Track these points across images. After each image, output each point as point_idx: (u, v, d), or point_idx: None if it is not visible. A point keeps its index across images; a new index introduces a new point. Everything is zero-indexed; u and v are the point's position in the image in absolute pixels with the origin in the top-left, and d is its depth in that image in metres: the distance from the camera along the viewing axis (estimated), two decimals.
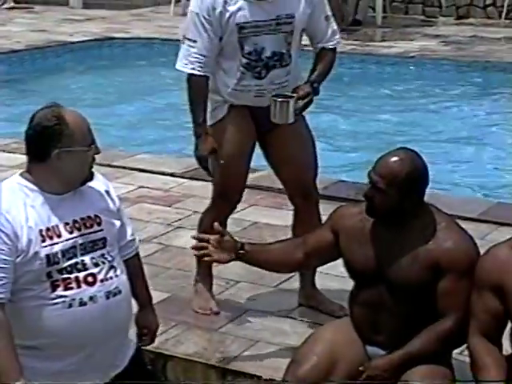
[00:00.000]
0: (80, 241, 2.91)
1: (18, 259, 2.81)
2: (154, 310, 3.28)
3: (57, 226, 2.90)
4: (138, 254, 3.24)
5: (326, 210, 3.87)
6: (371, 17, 13.96)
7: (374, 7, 13.98)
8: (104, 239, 2.98)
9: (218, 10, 3.77)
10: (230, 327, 3.99)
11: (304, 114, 3.96)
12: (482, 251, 3.19)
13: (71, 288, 2.87)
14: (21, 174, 2.96)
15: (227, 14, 3.78)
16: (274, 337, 3.88)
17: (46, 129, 2.87)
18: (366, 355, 3.32)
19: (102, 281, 2.92)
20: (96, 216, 2.98)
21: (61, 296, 2.86)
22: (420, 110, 9.80)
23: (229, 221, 5.30)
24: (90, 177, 2.98)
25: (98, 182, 3.07)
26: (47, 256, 2.84)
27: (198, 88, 3.87)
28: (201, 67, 3.83)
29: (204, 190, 5.00)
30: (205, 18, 3.79)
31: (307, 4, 3.84)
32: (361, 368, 3.24)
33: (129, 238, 3.18)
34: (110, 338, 2.97)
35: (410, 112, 9.71)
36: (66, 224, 2.92)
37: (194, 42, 3.82)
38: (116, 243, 3.06)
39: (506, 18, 13.71)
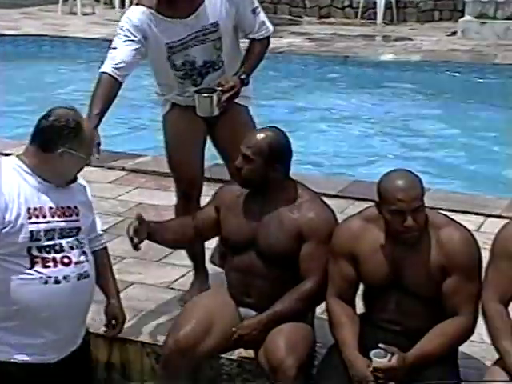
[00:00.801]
0: (60, 225, 2.97)
1: (5, 230, 2.84)
2: (120, 302, 3.31)
3: (43, 207, 2.95)
4: (106, 248, 3.31)
5: None
6: None
7: None
8: (79, 228, 3.05)
9: (142, 30, 3.71)
10: None
11: (248, 105, 3.99)
12: (350, 223, 3.22)
13: (49, 266, 2.92)
14: (18, 156, 3.00)
15: (152, 35, 3.72)
16: (158, 306, 3.89)
17: (64, 127, 2.93)
18: (239, 316, 3.38)
19: (76, 263, 2.98)
20: (75, 207, 3.05)
21: (39, 272, 2.91)
22: (289, 99, 9.93)
23: (115, 202, 5.32)
24: (75, 180, 3.06)
25: (79, 179, 3.13)
26: (31, 232, 2.89)
27: (101, 85, 3.74)
28: (112, 69, 3.74)
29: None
30: (129, 32, 3.72)
31: (230, 5, 3.75)
32: (233, 328, 3.30)
33: (99, 231, 3.26)
34: (74, 316, 3.04)
35: (280, 100, 9.84)
36: (51, 208, 2.96)
37: (114, 48, 3.77)
38: (87, 234, 3.12)
39: (361, 18, 14.02)
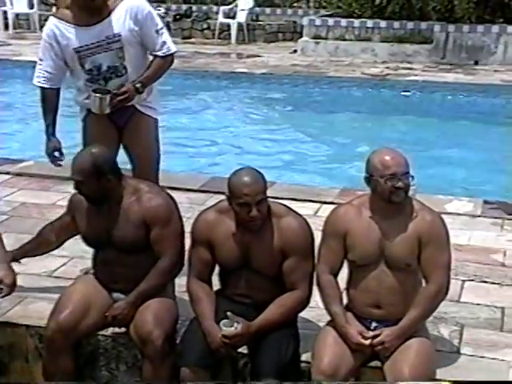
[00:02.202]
0: None
1: None
2: (11, 267, 3.32)
3: None
4: None
5: None
6: None
7: None
8: None
9: (56, 38, 3.67)
10: None
11: (156, 116, 3.90)
12: (206, 215, 3.22)
13: None
14: None
15: (64, 42, 3.67)
16: (40, 293, 3.75)
17: None
18: (111, 300, 3.32)
19: None
20: None
21: None
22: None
23: (0, 203, 5.09)
24: None
25: None
26: None
27: (44, 97, 3.79)
28: (45, 81, 3.73)
29: None
30: (47, 42, 3.70)
31: (133, 23, 3.67)
32: (106, 314, 3.25)
33: None
34: None
35: None
36: None
37: (41, 60, 3.72)
38: None
39: (218, 38, 14.07)
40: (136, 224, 3.24)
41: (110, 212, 3.28)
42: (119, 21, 3.66)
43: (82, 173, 3.20)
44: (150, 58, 3.86)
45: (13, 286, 3.29)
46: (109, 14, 3.65)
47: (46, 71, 3.73)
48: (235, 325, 3.01)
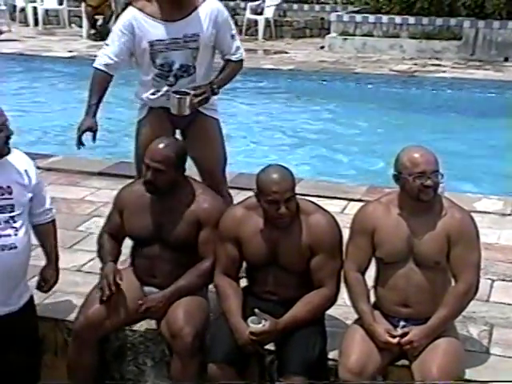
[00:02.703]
0: None
1: None
2: (57, 267, 3.41)
3: None
4: (52, 221, 3.31)
5: None
6: None
7: None
8: (12, 206, 3.03)
9: (132, 29, 3.60)
10: (33, 282, 3.81)
11: (217, 117, 3.85)
12: (234, 211, 3.21)
13: None
14: None
15: (139, 34, 3.60)
16: (69, 287, 3.78)
17: None
18: (143, 294, 3.32)
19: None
20: (8, 187, 3.03)
21: None
22: None
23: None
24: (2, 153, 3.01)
25: (20, 161, 3.12)
26: None
27: (96, 80, 3.68)
28: (103, 65, 3.65)
29: None
30: (121, 30, 3.62)
31: (212, 25, 3.63)
32: (140, 301, 3.25)
33: (46, 207, 3.26)
34: (3, 280, 3.00)
35: None
36: None
37: (107, 45, 3.67)
38: (25, 211, 3.10)
39: (245, 35, 14.07)
40: (189, 222, 3.26)
41: (166, 207, 3.29)
42: (200, 21, 3.60)
43: (166, 162, 3.19)
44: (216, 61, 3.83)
45: (53, 285, 3.44)
46: (190, 13, 3.60)
47: (108, 56, 3.65)
48: (263, 322, 3.02)
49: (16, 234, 3.03)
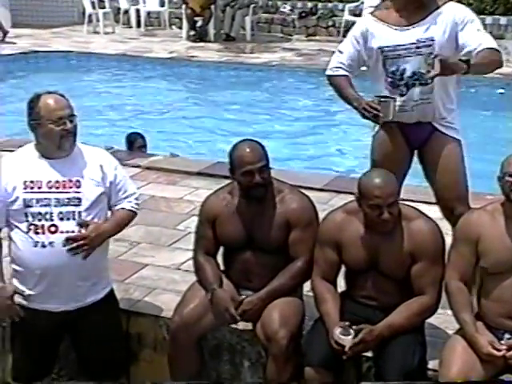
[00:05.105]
0: (55, 196, 3.03)
1: (8, 200, 3.04)
2: (102, 231, 3.16)
3: (40, 181, 3.04)
4: (125, 209, 3.24)
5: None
6: (242, 34, 13.93)
7: (244, 26, 13.96)
8: (79, 199, 3.07)
9: (364, 36, 3.47)
10: (133, 278, 3.96)
11: (459, 138, 3.49)
12: (334, 215, 3.19)
13: (38, 233, 3.03)
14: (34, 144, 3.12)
15: (371, 40, 3.45)
16: (168, 285, 3.86)
17: (27, 104, 3.07)
18: (239, 297, 3.31)
19: (61, 232, 3.02)
20: (77, 181, 3.08)
21: (31, 237, 3.03)
22: (282, 106, 9.90)
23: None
24: (62, 147, 3.05)
25: (95, 157, 3.17)
26: (24, 200, 3.02)
27: (335, 84, 3.54)
28: (336, 69, 3.53)
29: None
30: (354, 38, 3.50)
31: (451, 30, 3.35)
32: (242, 297, 3.26)
33: (123, 196, 3.22)
34: (66, 275, 3.06)
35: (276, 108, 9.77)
36: (49, 182, 3.04)
37: (341, 52, 3.55)
38: (98, 207, 3.11)
39: (343, 36, 13.95)
40: (279, 225, 3.25)
41: (255, 212, 3.28)
42: (437, 25, 3.36)
43: (262, 161, 3.18)
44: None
45: (88, 243, 3.11)
46: (426, 17, 3.38)
47: (341, 62, 3.52)
48: (351, 332, 2.96)
49: (81, 231, 3.03)
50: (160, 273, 4.03)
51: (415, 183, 5.68)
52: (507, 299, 2.90)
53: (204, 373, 3.42)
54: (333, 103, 10.01)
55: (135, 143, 6.64)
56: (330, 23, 14.41)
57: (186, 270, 4.00)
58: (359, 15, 13.87)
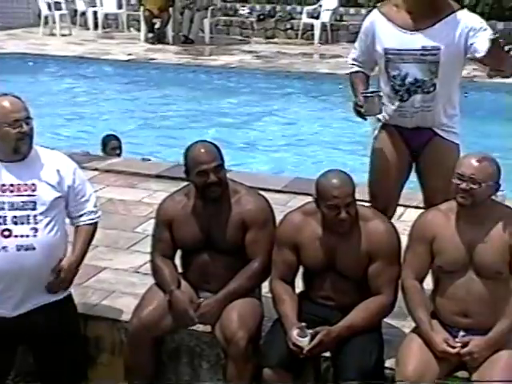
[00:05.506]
0: (9, 199, 2.96)
1: None
2: (79, 261, 3.23)
3: None
4: (90, 225, 3.24)
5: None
6: (201, 37, 13.91)
7: (202, 29, 13.94)
8: (34, 203, 3.00)
9: (372, 31, 3.38)
10: (91, 282, 3.91)
11: (458, 142, 3.40)
12: (292, 217, 3.22)
13: None
14: None
15: (377, 39, 3.35)
16: (126, 288, 3.83)
17: None
18: (197, 299, 3.31)
19: (15, 236, 2.96)
20: (33, 184, 3.01)
21: None
22: (240, 107, 9.92)
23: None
24: (18, 150, 2.99)
25: (52, 160, 3.11)
26: None
27: (350, 81, 3.49)
28: (351, 66, 3.50)
29: None
30: (363, 33, 3.44)
31: (459, 39, 3.23)
32: (201, 299, 3.27)
33: (88, 210, 3.21)
34: (18, 280, 3.00)
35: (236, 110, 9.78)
36: (3, 185, 2.98)
37: (355, 49, 3.51)
38: (54, 211, 3.05)
39: (301, 38, 14.05)
40: (236, 226, 3.26)
41: (212, 213, 3.29)
42: (445, 33, 3.23)
43: (216, 163, 3.19)
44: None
45: (69, 276, 3.20)
46: (436, 23, 3.24)
47: (354, 59, 3.50)
48: (308, 334, 2.97)
49: (35, 236, 2.98)
50: (118, 276, 4.00)
51: None
52: (461, 297, 2.95)
53: (162, 376, 3.40)
54: (291, 104, 10.14)
55: (109, 145, 6.62)
56: (289, 26, 14.48)
57: (145, 273, 3.97)
58: (317, 18, 14.01)
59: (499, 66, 3.08)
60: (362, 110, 3.28)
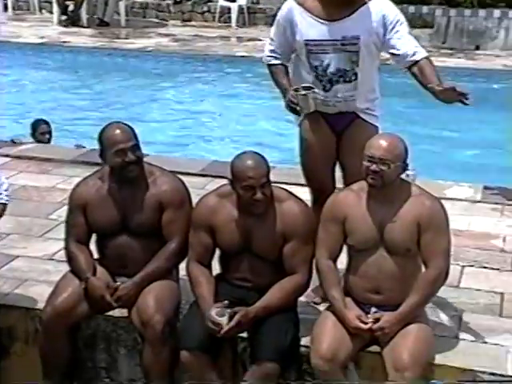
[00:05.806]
0: None
1: None
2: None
3: None
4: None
5: None
6: (116, 19, 13.66)
7: (118, 11, 13.69)
8: None
9: (290, 23, 3.32)
10: (2, 271, 3.81)
11: (377, 124, 3.44)
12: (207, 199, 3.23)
13: None
14: None
15: (295, 29, 3.31)
16: (40, 276, 3.75)
17: None
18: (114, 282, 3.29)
19: None
20: None
21: None
22: (156, 91, 9.84)
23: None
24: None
25: None
26: None
27: (270, 72, 3.46)
28: (271, 58, 3.43)
29: None
30: (280, 24, 3.37)
31: (378, 28, 3.25)
32: (117, 283, 3.25)
33: None
34: None
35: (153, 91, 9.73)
36: None
37: (272, 40, 3.43)
38: None
39: (218, 21, 14.00)
40: (152, 207, 3.25)
41: (127, 196, 3.27)
42: (363, 22, 3.24)
43: (134, 137, 3.20)
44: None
45: None
46: (353, 13, 3.24)
47: (273, 50, 3.44)
48: (226, 314, 3.00)
49: None
50: (32, 264, 3.92)
51: (288, 166, 5.91)
52: (372, 275, 3.03)
53: (79, 363, 3.36)
54: (210, 88, 10.11)
55: (39, 129, 6.45)
56: (206, 9, 14.37)
57: (59, 260, 3.90)
58: (234, 1, 13.97)
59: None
60: (298, 108, 3.28)
